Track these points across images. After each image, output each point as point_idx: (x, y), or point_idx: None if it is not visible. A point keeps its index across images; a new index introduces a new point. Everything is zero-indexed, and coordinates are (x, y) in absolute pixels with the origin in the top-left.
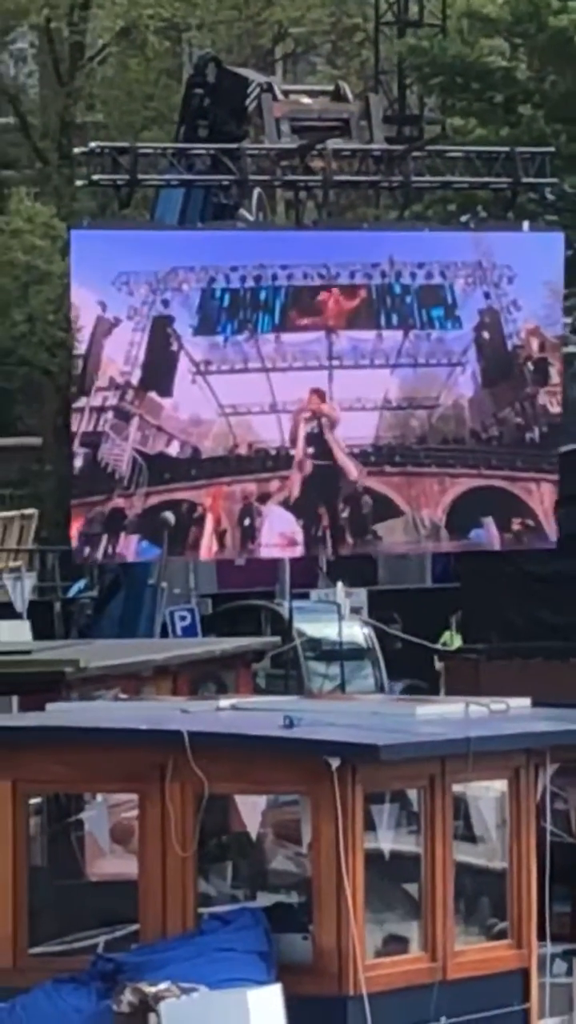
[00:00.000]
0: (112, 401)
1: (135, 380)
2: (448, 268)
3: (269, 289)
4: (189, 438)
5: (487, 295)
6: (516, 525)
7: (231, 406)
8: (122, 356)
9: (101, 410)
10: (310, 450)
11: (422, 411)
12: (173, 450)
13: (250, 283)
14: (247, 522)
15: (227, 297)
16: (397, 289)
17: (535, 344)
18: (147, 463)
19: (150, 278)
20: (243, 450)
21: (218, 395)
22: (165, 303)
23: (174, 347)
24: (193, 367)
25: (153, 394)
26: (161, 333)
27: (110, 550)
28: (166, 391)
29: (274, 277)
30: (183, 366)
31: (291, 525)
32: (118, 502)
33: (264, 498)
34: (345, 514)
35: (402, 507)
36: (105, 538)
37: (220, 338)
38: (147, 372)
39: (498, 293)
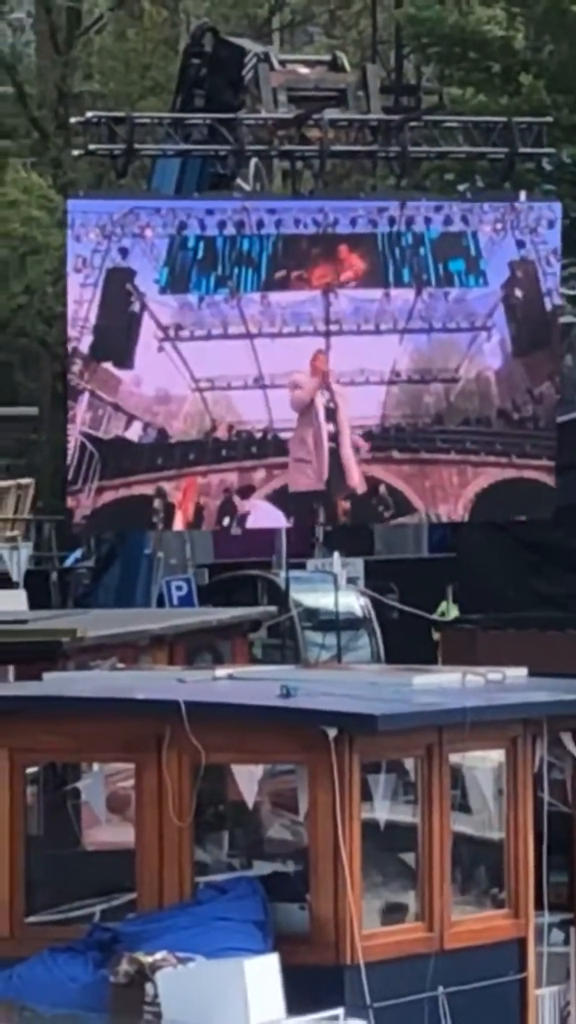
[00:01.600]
0: None
1: (84, 347)
2: (471, 212)
3: (254, 238)
4: (154, 419)
5: (520, 243)
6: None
7: (207, 380)
8: (67, 318)
9: None
10: (329, 428)
11: (438, 385)
12: (133, 434)
13: (230, 230)
14: (226, 521)
15: (202, 247)
16: (409, 238)
17: None
18: (99, 450)
19: (103, 220)
20: (222, 433)
21: (191, 366)
22: (123, 252)
23: (135, 307)
24: (160, 332)
25: (108, 365)
26: (118, 290)
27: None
28: (125, 362)
29: (260, 224)
30: (147, 331)
31: (280, 524)
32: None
33: (247, 491)
34: (347, 511)
35: (414, 502)
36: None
37: (193, 297)
38: (100, 338)
39: (534, 240)
